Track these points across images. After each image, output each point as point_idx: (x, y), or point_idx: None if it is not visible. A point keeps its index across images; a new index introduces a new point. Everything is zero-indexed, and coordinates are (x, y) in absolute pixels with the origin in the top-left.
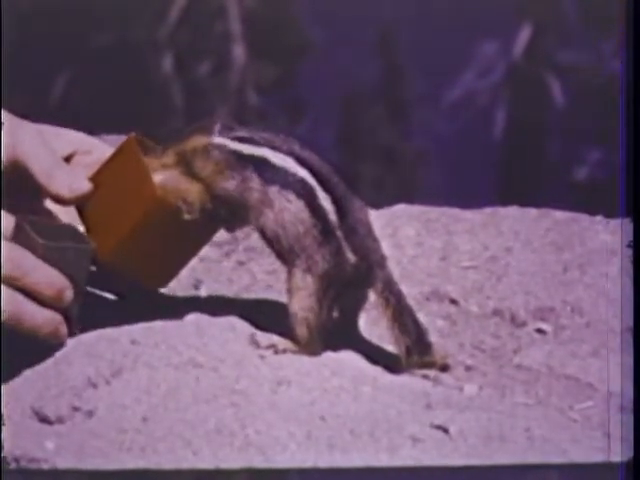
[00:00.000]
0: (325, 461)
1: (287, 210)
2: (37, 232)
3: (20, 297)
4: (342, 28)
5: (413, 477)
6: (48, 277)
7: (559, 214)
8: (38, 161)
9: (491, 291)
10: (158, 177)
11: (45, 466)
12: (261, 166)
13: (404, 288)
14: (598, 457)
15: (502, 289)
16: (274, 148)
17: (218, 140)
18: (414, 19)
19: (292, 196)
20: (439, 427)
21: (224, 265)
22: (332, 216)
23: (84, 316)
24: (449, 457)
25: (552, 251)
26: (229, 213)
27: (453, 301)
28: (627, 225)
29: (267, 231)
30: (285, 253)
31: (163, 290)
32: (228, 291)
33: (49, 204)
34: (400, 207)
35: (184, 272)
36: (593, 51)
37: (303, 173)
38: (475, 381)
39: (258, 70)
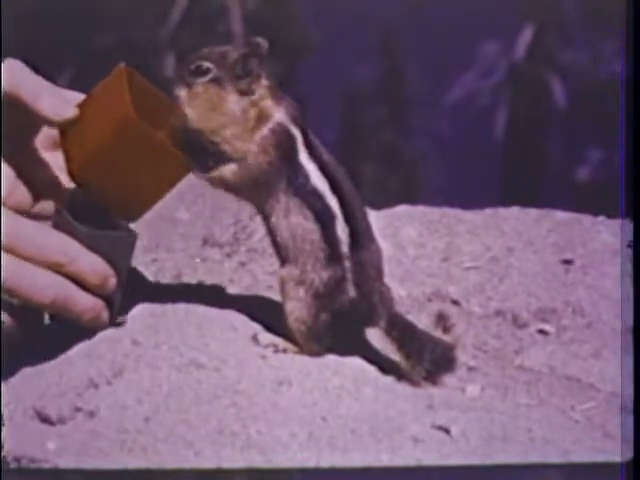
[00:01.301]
0: (326, 461)
1: (300, 226)
2: (78, 219)
3: (67, 282)
4: (343, 28)
5: (414, 477)
6: (92, 265)
7: (561, 215)
8: (26, 86)
9: (493, 292)
10: (232, 97)
11: (46, 466)
12: (299, 178)
13: (405, 289)
14: (599, 457)
15: (504, 290)
16: (322, 166)
17: (294, 131)
18: (415, 19)
19: (310, 215)
20: (441, 427)
21: (226, 266)
22: (344, 247)
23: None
24: (451, 457)
25: (554, 252)
26: (248, 188)
27: (455, 302)
28: (628, 225)
29: (277, 233)
30: (284, 254)
31: (165, 291)
32: (230, 292)
33: (45, 154)
34: (402, 208)
35: (186, 272)
36: (594, 52)
37: (331, 201)
38: (477, 382)
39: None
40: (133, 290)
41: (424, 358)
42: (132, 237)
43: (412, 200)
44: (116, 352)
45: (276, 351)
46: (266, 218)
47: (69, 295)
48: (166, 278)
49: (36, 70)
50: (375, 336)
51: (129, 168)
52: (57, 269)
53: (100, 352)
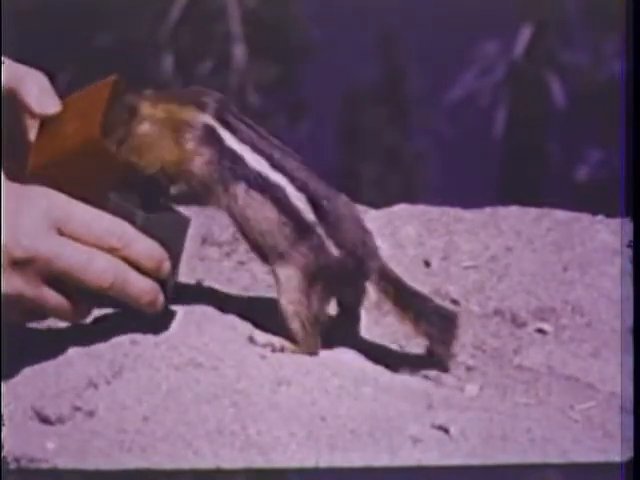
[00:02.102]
0: (326, 461)
1: (250, 207)
2: (133, 204)
3: (124, 265)
4: (343, 28)
5: (414, 477)
6: (148, 249)
7: (560, 214)
8: (19, 75)
9: (492, 291)
10: (142, 127)
11: (45, 466)
12: (236, 162)
13: None
14: (599, 457)
15: (503, 289)
16: (254, 148)
17: (210, 122)
18: (415, 19)
19: (258, 196)
20: (440, 427)
21: (224, 265)
22: (308, 215)
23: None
24: (450, 457)
25: (553, 251)
26: (196, 189)
27: (454, 301)
28: (627, 225)
29: (235, 220)
30: (255, 247)
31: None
32: (228, 291)
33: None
34: (401, 207)
35: (184, 272)
36: (594, 51)
37: (276, 177)
38: (476, 381)
39: (258, 70)
40: None
41: (424, 313)
42: (186, 220)
43: (411, 199)
44: (115, 352)
45: (273, 350)
46: (223, 209)
47: (127, 278)
48: None
49: (35, 69)
50: (371, 297)
51: (88, 180)
52: (113, 253)
53: (99, 352)
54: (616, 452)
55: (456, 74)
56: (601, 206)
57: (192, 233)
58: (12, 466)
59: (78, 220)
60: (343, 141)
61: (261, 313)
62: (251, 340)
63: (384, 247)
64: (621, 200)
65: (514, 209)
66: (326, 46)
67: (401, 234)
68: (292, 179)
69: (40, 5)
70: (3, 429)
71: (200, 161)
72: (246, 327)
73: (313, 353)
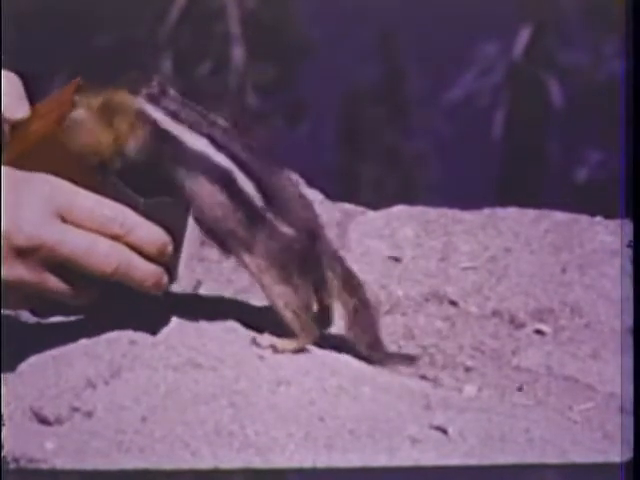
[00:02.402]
0: (324, 461)
1: (199, 193)
2: (133, 188)
3: (127, 250)
4: (342, 29)
5: (412, 478)
6: (150, 234)
7: (558, 215)
8: None
9: (490, 292)
10: (77, 115)
11: (44, 466)
12: (174, 145)
13: (403, 289)
14: (598, 458)
15: (501, 290)
16: (192, 128)
17: (143, 105)
18: (414, 19)
19: (203, 179)
20: (438, 428)
21: (224, 266)
22: (257, 201)
23: (85, 317)
24: (448, 458)
25: (551, 252)
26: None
27: (452, 302)
28: (627, 226)
29: (193, 212)
30: (212, 237)
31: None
32: (227, 291)
33: None
34: (399, 208)
35: (184, 273)
36: (593, 52)
37: (219, 157)
38: (474, 382)
39: (258, 71)
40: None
41: (358, 290)
42: (187, 203)
43: (410, 200)
44: (113, 352)
45: (275, 351)
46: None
47: (130, 263)
48: None
49: (35, 69)
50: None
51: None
52: (116, 240)
53: (97, 352)
54: (615, 453)
55: (455, 75)
56: (600, 207)
57: (191, 235)
58: (11, 466)
59: (80, 207)
60: (342, 141)
61: (260, 314)
62: (254, 343)
63: (382, 248)
64: (621, 201)
65: (513, 210)
66: (325, 46)
67: (399, 235)
68: (238, 161)
69: (40, 6)
70: (2, 429)
71: (135, 144)
72: (245, 328)
73: (315, 341)
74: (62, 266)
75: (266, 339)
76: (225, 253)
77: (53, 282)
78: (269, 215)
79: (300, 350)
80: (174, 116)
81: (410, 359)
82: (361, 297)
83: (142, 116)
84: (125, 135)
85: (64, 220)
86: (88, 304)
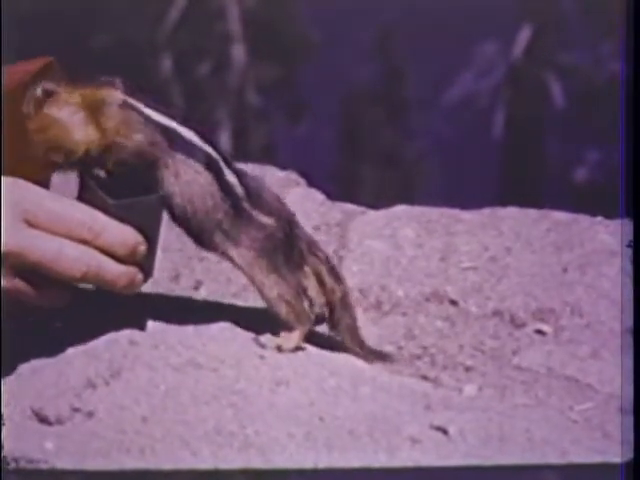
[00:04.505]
0: (324, 461)
1: (195, 182)
2: (104, 189)
3: (97, 253)
4: (342, 29)
5: (412, 478)
6: (120, 236)
7: (559, 215)
8: None
9: (491, 292)
10: (56, 111)
11: (44, 467)
12: (168, 133)
13: (404, 289)
14: (598, 458)
15: (502, 290)
16: (177, 120)
17: (130, 99)
18: (414, 20)
19: (200, 167)
20: (438, 428)
21: (224, 265)
22: (238, 189)
23: (84, 317)
24: (448, 458)
25: (552, 252)
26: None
27: (453, 302)
28: (627, 226)
29: (174, 205)
30: (197, 231)
31: (163, 291)
32: (227, 291)
33: None
34: (400, 208)
35: (183, 272)
36: (593, 52)
37: (208, 148)
38: (475, 382)
39: (258, 70)
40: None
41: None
42: (160, 199)
43: (410, 200)
44: (114, 352)
45: (280, 350)
46: (167, 197)
47: (100, 266)
48: (164, 278)
49: None
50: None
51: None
52: (85, 243)
53: (98, 352)
54: (615, 453)
55: (455, 75)
56: (600, 207)
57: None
58: (11, 466)
59: (47, 211)
60: (342, 141)
61: (261, 313)
62: (259, 345)
63: (383, 248)
64: (621, 200)
65: (513, 210)
66: (326, 46)
67: (400, 235)
68: (219, 153)
69: (40, 6)
70: (2, 429)
71: (124, 137)
72: (245, 327)
73: (310, 327)
74: (32, 271)
75: (270, 340)
76: (210, 250)
77: (25, 288)
78: (246, 205)
79: (299, 345)
80: (158, 110)
81: (386, 357)
82: (344, 284)
83: (128, 108)
84: (114, 130)
85: (31, 225)
86: (62, 306)
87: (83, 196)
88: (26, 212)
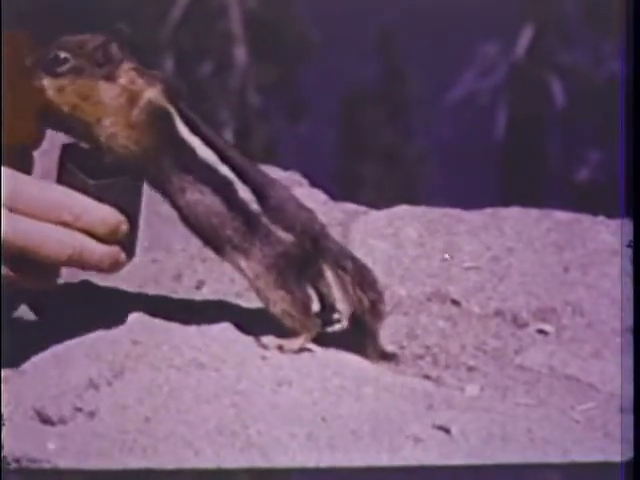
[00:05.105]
0: (326, 461)
1: (200, 203)
2: (83, 168)
3: (80, 235)
4: (343, 29)
5: (415, 477)
6: (101, 216)
7: (561, 214)
8: None
9: (493, 292)
10: (104, 89)
11: (47, 466)
12: (185, 154)
13: (406, 289)
14: (600, 458)
15: (504, 290)
16: (204, 138)
17: (166, 105)
18: (415, 20)
19: (207, 190)
20: (441, 427)
21: (226, 265)
22: (254, 205)
23: (85, 317)
24: (451, 457)
25: (554, 252)
26: (136, 164)
27: (455, 302)
28: (627, 225)
29: (183, 214)
30: (207, 241)
31: (165, 291)
32: (230, 291)
33: None
34: (402, 208)
35: (186, 273)
36: (594, 52)
37: (224, 170)
38: (477, 382)
39: (259, 71)
40: (133, 290)
41: (375, 283)
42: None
43: (412, 200)
44: (116, 352)
45: (282, 351)
46: (169, 201)
47: (84, 248)
48: (167, 278)
49: None
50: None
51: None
52: (67, 226)
53: (100, 352)
54: (616, 452)
55: (456, 75)
56: (602, 207)
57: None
58: (11, 466)
59: (26, 196)
60: (343, 142)
61: (263, 313)
62: (261, 345)
63: (385, 247)
64: (621, 200)
65: (515, 210)
66: (327, 47)
67: (402, 235)
68: (238, 171)
69: (40, 6)
70: (3, 429)
71: (143, 138)
72: (248, 328)
73: (317, 332)
74: (18, 256)
75: (272, 341)
76: (222, 258)
77: (11, 274)
78: (264, 220)
79: (305, 347)
80: (190, 124)
81: (393, 358)
82: (378, 291)
83: (163, 116)
84: (137, 127)
85: (12, 210)
86: (51, 289)
87: (62, 178)
88: (5, 198)
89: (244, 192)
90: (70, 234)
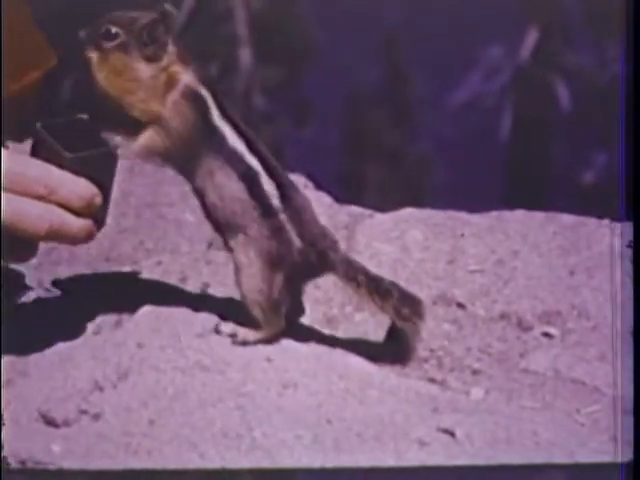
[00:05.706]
0: (332, 464)
1: (227, 187)
2: (60, 141)
3: (57, 209)
4: (347, 31)
5: (420, 479)
6: (76, 189)
7: (566, 218)
8: None
9: (498, 295)
10: (143, 68)
11: (52, 468)
12: (216, 139)
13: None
14: (605, 460)
15: (509, 293)
16: (236, 127)
17: (203, 92)
18: (419, 21)
19: (234, 176)
20: (446, 431)
21: (230, 269)
22: (275, 200)
23: (87, 317)
24: (455, 460)
25: (559, 255)
26: (170, 150)
27: (460, 305)
28: (627, 227)
29: (206, 198)
30: (222, 226)
31: (170, 294)
32: (235, 294)
33: None
34: (407, 211)
35: (191, 275)
36: (600, 55)
37: (251, 160)
38: (482, 385)
39: (264, 73)
40: (138, 293)
41: (392, 293)
42: (113, 154)
43: (417, 203)
44: (121, 355)
45: (234, 340)
46: (193, 184)
47: (63, 221)
48: (171, 281)
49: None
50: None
51: None
52: (43, 200)
53: (105, 355)
54: (622, 455)
55: (461, 77)
56: (607, 210)
57: (198, 238)
58: (13, 466)
59: (2, 171)
60: (348, 144)
61: None
62: (217, 331)
63: (390, 251)
64: (620, 201)
65: (520, 213)
66: (331, 49)
67: (407, 238)
68: (265, 165)
69: (41, 6)
70: (3, 429)
71: (178, 120)
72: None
73: (277, 335)
74: None
75: (229, 327)
76: (225, 246)
77: None
78: (282, 216)
79: (262, 341)
80: (222, 111)
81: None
82: (398, 297)
83: (200, 101)
84: (172, 110)
85: None
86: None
87: (37, 152)
88: None
89: (268, 185)
90: (48, 208)
